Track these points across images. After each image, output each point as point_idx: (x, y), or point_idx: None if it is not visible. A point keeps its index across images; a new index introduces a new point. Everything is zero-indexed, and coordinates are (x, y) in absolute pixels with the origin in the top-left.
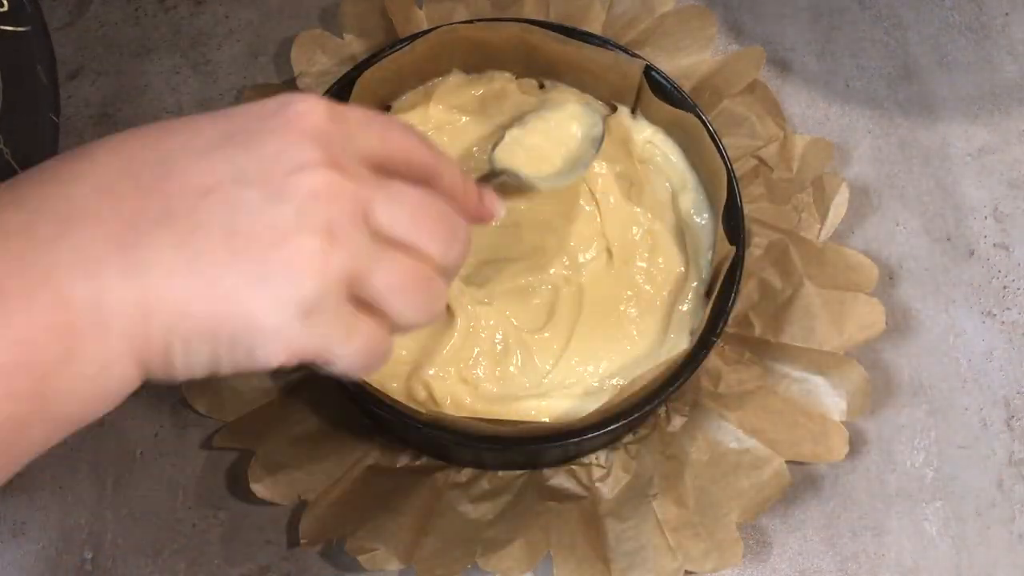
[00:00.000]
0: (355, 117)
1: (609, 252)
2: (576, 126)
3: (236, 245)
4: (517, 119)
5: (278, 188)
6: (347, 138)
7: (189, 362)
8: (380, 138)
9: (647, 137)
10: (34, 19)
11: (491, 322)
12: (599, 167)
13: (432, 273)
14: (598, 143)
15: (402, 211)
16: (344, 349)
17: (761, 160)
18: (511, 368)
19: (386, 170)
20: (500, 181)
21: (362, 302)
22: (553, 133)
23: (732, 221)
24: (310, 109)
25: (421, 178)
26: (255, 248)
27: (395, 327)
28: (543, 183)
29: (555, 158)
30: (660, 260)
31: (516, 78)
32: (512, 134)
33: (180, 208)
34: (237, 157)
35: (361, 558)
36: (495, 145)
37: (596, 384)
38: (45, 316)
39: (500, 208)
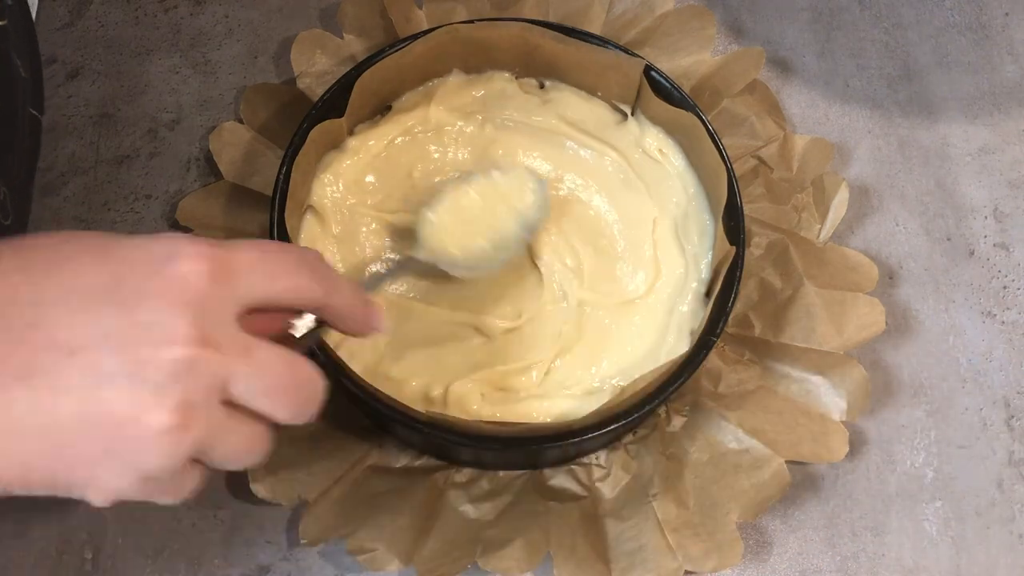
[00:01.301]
0: (243, 263)
1: None
2: (524, 190)
3: (89, 414)
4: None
5: (142, 362)
6: (228, 296)
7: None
8: (266, 283)
9: (656, 145)
10: (15, 13)
11: None
12: (600, 167)
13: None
14: (544, 209)
15: (260, 383)
16: (169, 500)
17: (761, 160)
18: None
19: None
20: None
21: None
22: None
23: (732, 221)
24: (193, 271)
25: (310, 310)
26: (108, 422)
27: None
28: (471, 270)
29: (493, 226)
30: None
31: (516, 78)
32: (438, 211)
33: (44, 365)
34: (109, 319)
35: (361, 558)
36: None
37: (596, 384)
38: None
39: (382, 324)
